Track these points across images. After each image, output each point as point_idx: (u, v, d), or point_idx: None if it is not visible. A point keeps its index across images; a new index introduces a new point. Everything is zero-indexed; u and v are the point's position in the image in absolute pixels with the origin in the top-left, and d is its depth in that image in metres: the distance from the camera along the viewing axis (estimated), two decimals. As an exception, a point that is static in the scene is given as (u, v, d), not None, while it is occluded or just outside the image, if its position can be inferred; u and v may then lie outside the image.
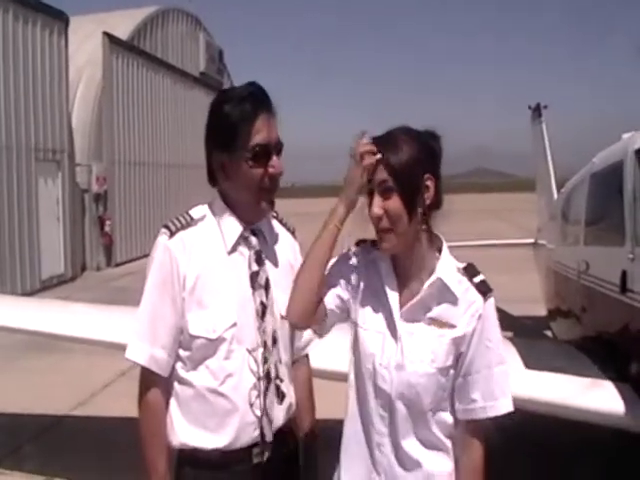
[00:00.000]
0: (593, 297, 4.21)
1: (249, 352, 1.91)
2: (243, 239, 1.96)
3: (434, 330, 1.75)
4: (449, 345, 1.74)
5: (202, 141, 1.96)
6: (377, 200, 1.72)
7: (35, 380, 6.92)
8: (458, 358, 1.76)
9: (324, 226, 1.77)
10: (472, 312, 1.74)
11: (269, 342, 1.95)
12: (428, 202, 1.73)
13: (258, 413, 1.92)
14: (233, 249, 1.94)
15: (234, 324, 1.89)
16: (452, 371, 1.77)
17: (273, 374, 1.95)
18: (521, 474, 4.17)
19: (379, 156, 1.70)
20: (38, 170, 13.38)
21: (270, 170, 1.89)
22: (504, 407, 1.78)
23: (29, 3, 13.26)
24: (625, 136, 4.41)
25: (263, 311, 1.94)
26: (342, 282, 1.84)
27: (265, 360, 1.93)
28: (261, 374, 1.92)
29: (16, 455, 5.02)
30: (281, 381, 1.97)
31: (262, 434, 1.93)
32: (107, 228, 16.28)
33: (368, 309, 1.82)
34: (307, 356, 2.24)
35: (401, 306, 1.77)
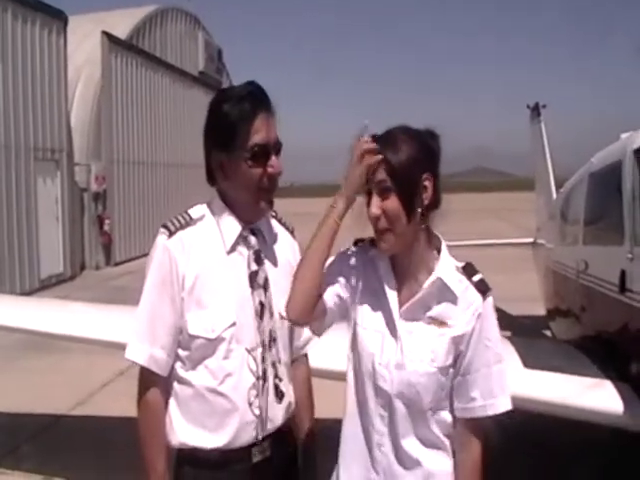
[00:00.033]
0: (592, 297, 4.21)
1: (248, 352, 1.91)
2: (242, 239, 1.96)
3: (434, 329, 1.75)
4: (449, 344, 1.74)
5: (201, 140, 1.96)
6: (375, 200, 1.72)
7: (34, 380, 6.92)
8: (457, 357, 1.76)
9: (323, 221, 1.76)
10: (472, 311, 1.75)
11: (268, 342, 1.95)
12: (426, 202, 1.73)
13: (257, 412, 1.92)
14: (232, 249, 1.94)
15: (233, 324, 1.89)
16: (451, 370, 1.77)
17: (272, 373, 1.95)
18: (521, 474, 4.18)
19: (380, 157, 1.70)
20: (37, 169, 13.37)
21: (269, 170, 1.89)
22: (503, 405, 1.79)
23: (28, 2, 13.25)
24: (624, 136, 4.41)
25: (262, 311, 1.94)
26: (341, 280, 1.84)
27: (264, 360, 1.93)
28: (260, 374, 1.92)
29: (15, 454, 5.02)
30: (280, 380, 1.97)
31: (258, 434, 1.93)
32: (106, 227, 16.28)
33: (367, 308, 1.82)
34: (306, 355, 2.24)
35: (400, 305, 1.77)
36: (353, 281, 1.84)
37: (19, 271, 12.65)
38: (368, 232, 1.80)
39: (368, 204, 1.74)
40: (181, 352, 1.93)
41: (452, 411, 1.80)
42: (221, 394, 1.90)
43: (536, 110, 9.21)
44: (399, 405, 1.75)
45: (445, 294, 1.75)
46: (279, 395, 1.97)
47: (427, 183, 1.72)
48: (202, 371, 1.90)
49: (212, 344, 1.88)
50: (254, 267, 1.96)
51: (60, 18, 14.42)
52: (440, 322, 1.75)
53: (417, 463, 1.77)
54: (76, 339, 4.21)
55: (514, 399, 1.82)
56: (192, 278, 1.89)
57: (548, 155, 8.84)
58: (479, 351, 1.76)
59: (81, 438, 5.39)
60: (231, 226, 1.95)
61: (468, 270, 1.79)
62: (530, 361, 3.51)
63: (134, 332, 1.95)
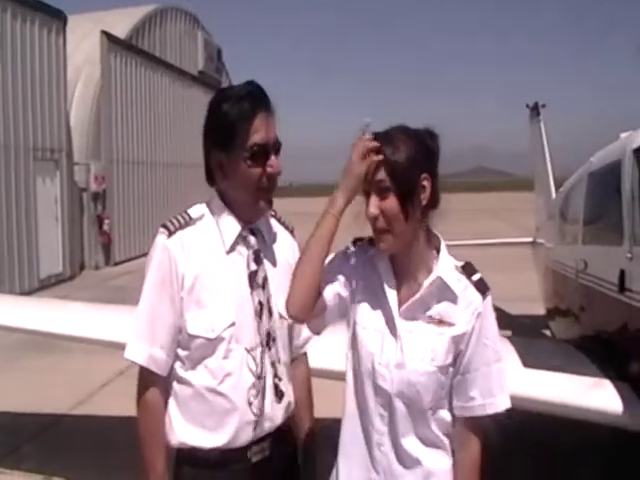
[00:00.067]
0: (591, 296, 4.22)
1: (248, 351, 1.91)
2: (242, 238, 1.96)
3: (434, 328, 1.75)
4: (449, 343, 1.74)
5: (200, 140, 1.96)
6: (373, 200, 1.73)
7: (34, 380, 6.92)
8: (457, 356, 1.76)
9: (322, 218, 1.75)
10: (471, 310, 1.75)
11: (267, 341, 1.95)
12: (425, 202, 1.73)
13: (257, 412, 1.92)
14: (232, 248, 1.94)
15: (233, 324, 1.89)
16: (451, 369, 1.77)
17: (272, 373, 1.95)
18: (520, 473, 4.18)
19: (381, 157, 1.70)
20: (36, 169, 13.36)
21: (268, 170, 1.89)
22: (502, 404, 1.80)
23: (27, 2, 13.24)
24: (623, 135, 4.41)
25: (261, 310, 1.94)
26: (341, 279, 1.84)
27: (263, 359, 1.94)
28: (260, 373, 1.92)
29: (15, 454, 5.02)
30: (280, 380, 1.98)
31: (260, 433, 1.94)
32: (105, 227, 16.27)
33: (366, 307, 1.82)
34: (305, 354, 2.24)
35: (400, 304, 1.77)
36: (353, 280, 1.84)
37: (18, 271, 12.65)
38: (367, 232, 1.80)
39: (367, 204, 1.74)
40: (180, 352, 1.93)
41: (451, 410, 1.81)
42: (220, 394, 1.90)
43: (535, 110, 9.22)
44: (399, 404, 1.75)
45: (445, 293, 1.76)
46: (279, 395, 1.97)
47: (425, 183, 1.72)
48: (202, 371, 1.90)
49: (212, 344, 1.88)
50: (253, 267, 1.96)
51: (59, 18, 14.40)
52: (440, 321, 1.75)
53: (417, 462, 1.77)
54: (76, 339, 4.21)
55: (513, 399, 1.83)
56: (191, 278, 1.89)
57: (547, 155, 8.84)
58: (479, 350, 1.76)
59: (81, 438, 5.39)
60: (230, 226, 1.95)
61: (467, 269, 1.79)
62: (529, 360, 3.51)
63: (133, 332, 1.95)
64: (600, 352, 3.84)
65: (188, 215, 1.96)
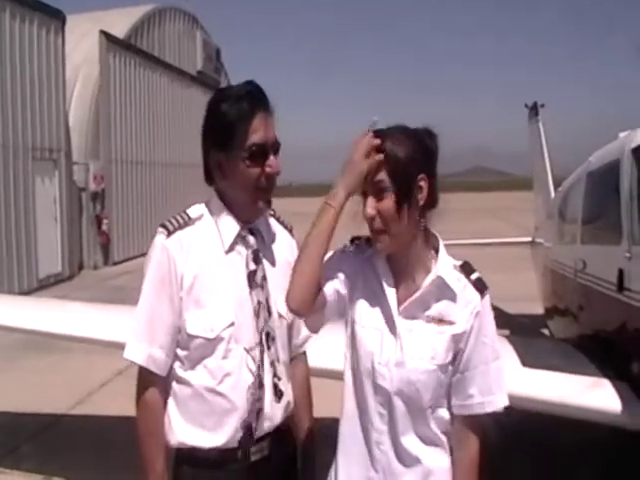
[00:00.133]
0: (590, 295, 4.22)
1: (247, 351, 1.91)
2: (240, 238, 1.96)
3: (433, 327, 1.76)
4: (448, 342, 1.75)
5: (199, 140, 1.96)
6: (370, 200, 1.73)
7: (33, 379, 6.92)
8: (456, 355, 1.77)
9: (322, 209, 1.75)
10: (470, 309, 1.76)
11: (267, 341, 1.95)
12: (422, 203, 1.73)
13: (254, 412, 1.92)
14: (231, 248, 1.94)
15: (232, 323, 1.89)
16: (450, 367, 1.78)
17: (271, 372, 1.96)
18: (519, 473, 4.18)
19: (381, 156, 1.70)
20: (35, 169, 13.36)
21: (267, 169, 1.89)
22: (501, 402, 1.81)
23: (26, 2, 13.23)
24: (622, 135, 4.41)
25: (260, 310, 1.94)
26: (340, 277, 1.83)
27: (263, 359, 1.94)
28: (259, 373, 1.93)
29: (15, 454, 5.02)
30: (279, 379, 1.98)
31: (260, 433, 1.94)
32: (104, 227, 16.27)
33: (365, 306, 1.82)
34: (305, 354, 2.24)
35: (398, 304, 1.78)
36: (351, 279, 1.84)
37: (17, 271, 12.64)
38: (364, 231, 1.80)
39: (364, 204, 1.74)
40: (180, 352, 1.93)
41: (450, 408, 1.81)
42: (220, 394, 1.90)
43: (534, 109, 9.22)
44: (398, 403, 1.76)
45: (445, 292, 1.76)
46: (278, 394, 1.97)
47: (423, 183, 1.72)
48: (201, 371, 1.91)
49: (211, 344, 1.88)
50: (252, 266, 1.96)
51: (58, 17, 14.40)
52: (439, 320, 1.76)
53: (417, 460, 1.78)
54: (75, 339, 4.21)
55: (512, 398, 1.84)
56: (191, 278, 1.89)
57: (546, 154, 8.84)
58: (477, 348, 1.77)
59: (80, 438, 5.39)
60: (229, 226, 1.95)
61: (466, 269, 1.80)
62: (528, 360, 3.51)
63: (133, 332, 1.95)
64: (599, 351, 3.84)
65: (187, 215, 1.96)
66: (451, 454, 1.82)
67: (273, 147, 1.91)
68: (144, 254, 2.03)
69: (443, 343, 1.75)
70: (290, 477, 2.08)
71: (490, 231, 15.49)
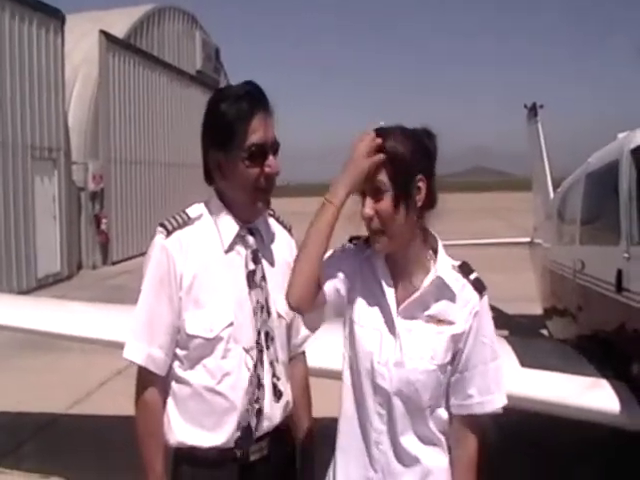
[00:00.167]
0: (589, 296, 4.22)
1: (246, 351, 1.91)
2: (240, 238, 1.96)
3: (433, 327, 1.76)
4: (448, 342, 1.75)
5: (198, 140, 1.96)
6: (368, 201, 1.73)
7: (31, 379, 6.91)
8: (455, 355, 1.77)
9: (322, 206, 1.74)
10: (469, 309, 1.76)
11: (266, 341, 1.95)
12: (419, 204, 1.73)
13: (255, 412, 1.92)
14: (230, 248, 1.94)
15: (231, 323, 1.89)
16: (449, 367, 1.78)
17: (270, 372, 1.96)
18: (518, 473, 4.18)
19: (383, 156, 1.70)
20: (34, 168, 13.36)
21: (266, 170, 1.89)
22: (500, 401, 1.81)
23: (26, 1, 13.23)
24: (620, 135, 4.42)
25: (260, 310, 1.94)
26: (339, 276, 1.83)
27: (262, 359, 1.94)
28: (258, 373, 1.93)
29: (14, 454, 5.02)
30: (278, 379, 1.98)
31: (259, 432, 1.94)
32: (103, 226, 16.27)
33: (364, 306, 1.82)
34: (304, 353, 2.24)
35: (397, 304, 1.78)
36: (350, 279, 1.84)
37: (16, 270, 12.64)
38: (363, 231, 1.80)
39: (362, 204, 1.74)
40: (179, 351, 1.93)
41: (448, 408, 1.81)
42: (219, 393, 1.90)
43: (533, 110, 9.22)
44: (398, 403, 1.76)
45: (444, 292, 1.76)
46: (277, 394, 1.97)
47: (421, 184, 1.72)
48: (200, 370, 1.91)
49: (210, 344, 1.89)
50: (251, 266, 1.96)
51: (57, 17, 14.40)
52: (438, 320, 1.76)
53: (416, 460, 1.78)
54: (74, 338, 4.21)
55: (511, 398, 1.84)
56: (190, 277, 1.89)
57: (545, 155, 8.85)
58: (476, 348, 1.77)
59: (79, 437, 5.39)
60: (229, 225, 1.95)
61: (464, 269, 1.80)
62: (527, 360, 3.51)
63: (132, 331, 1.95)
64: (598, 352, 3.84)
65: (186, 215, 1.96)
66: (450, 454, 1.83)
67: (272, 147, 1.91)
68: (143, 254, 2.04)
69: (442, 343, 1.75)
70: (289, 477, 2.08)
71: (489, 231, 15.50)
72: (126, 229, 17.55)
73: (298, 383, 2.15)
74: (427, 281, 1.76)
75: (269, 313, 1.97)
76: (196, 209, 1.98)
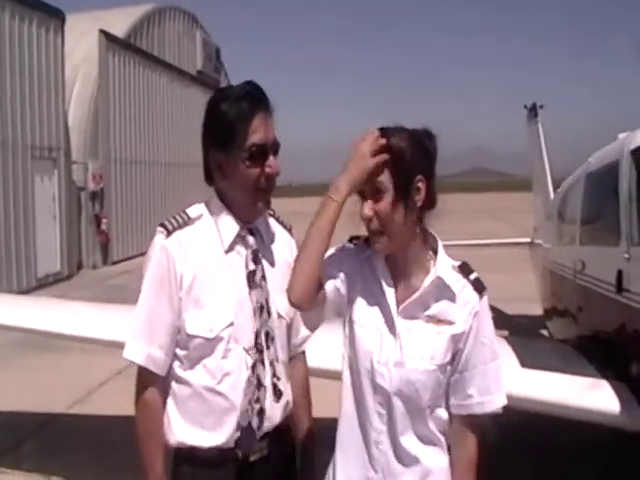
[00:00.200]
0: (589, 296, 4.22)
1: (246, 351, 1.91)
2: (240, 238, 1.96)
3: (433, 327, 1.76)
4: (448, 342, 1.75)
5: (199, 140, 1.96)
6: (368, 201, 1.73)
7: (31, 378, 6.91)
8: (455, 355, 1.78)
9: (324, 202, 1.74)
10: (469, 309, 1.76)
11: (266, 341, 1.95)
12: (419, 204, 1.73)
13: (255, 412, 1.92)
14: (230, 248, 1.94)
15: (231, 323, 1.89)
16: (449, 368, 1.78)
17: (270, 372, 1.96)
18: (518, 473, 4.18)
19: (387, 156, 1.70)
20: (34, 168, 13.36)
21: (267, 170, 1.89)
22: (499, 401, 1.82)
23: (26, 1, 13.23)
24: (621, 136, 4.42)
25: (260, 310, 1.94)
26: (339, 275, 1.83)
27: (262, 359, 1.94)
28: (258, 373, 1.93)
29: (14, 453, 5.02)
30: (278, 379, 1.98)
31: (259, 432, 1.94)
32: (103, 226, 16.27)
33: (364, 306, 1.82)
34: (304, 353, 2.24)
35: (397, 304, 1.78)
36: (350, 278, 1.84)
37: (16, 270, 12.64)
38: (363, 230, 1.80)
39: (361, 204, 1.74)
40: (179, 351, 1.93)
41: (448, 408, 1.82)
42: (219, 393, 1.90)
43: (533, 110, 9.22)
44: (398, 403, 1.76)
45: (444, 292, 1.76)
46: (277, 394, 1.97)
47: (420, 185, 1.72)
48: (200, 370, 1.91)
49: (210, 344, 1.89)
50: (252, 267, 1.96)
51: (57, 16, 14.39)
52: (438, 320, 1.76)
53: (416, 460, 1.78)
54: (74, 338, 4.20)
55: (511, 399, 1.84)
56: (190, 278, 1.89)
57: (545, 155, 8.85)
58: (476, 349, 1.77)
59: (79, 437, 5.39)
60: (229, 226, 1.95)
61: (464, 269, 1.80)
62: (527, 361, 3.51)
63: (132, 331, 1.95)
64: (598, 352, 3.84)
65: (186, 215, 1.96)
66: (449, 453, 1.83)
67: (273, 147, 1.91)
68: (143, 253, 2.03)
69: (442, 343, 1.75)
70: (289, 477, 2.08)
71: (489, 232, 15.50)
72: (126, 229, 17.55)
73: (298, 383, 2.15)
74: (427, 281, 1.76)
75: (269, 313, 1.97)
76: (196, 209, 1.98)
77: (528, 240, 8.45)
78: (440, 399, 1.80)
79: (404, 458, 1.78)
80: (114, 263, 16.52)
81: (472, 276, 1.79)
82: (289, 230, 2.17)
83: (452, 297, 1.76)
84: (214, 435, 1.91)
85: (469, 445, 1.82)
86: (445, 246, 1.83)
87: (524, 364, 3.48)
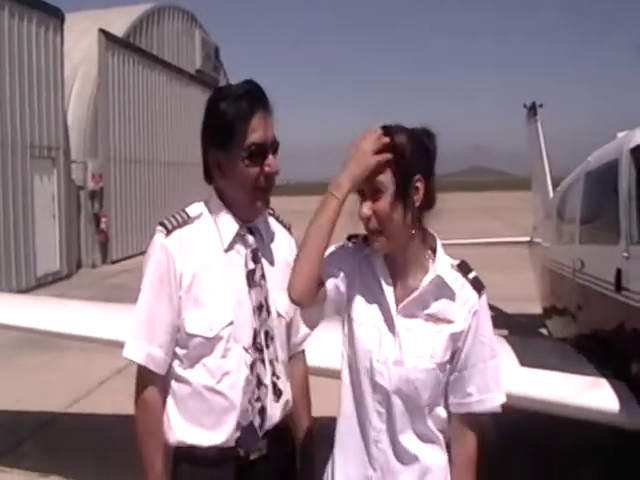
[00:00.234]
0: (588, 295, 4.22)
1: (246, 350, 1.91)
2: (239, 237, 1.96)
3: (432, 326, 1.76)
4: (447, 341, 1.76)
5: (198, 139, 1.96)
6: (366, 201, 1.73)
7: (31, 378, 6.91)
8: (454, 353, 1.78)
9: (325, 198, 1.73)
10: (468, 308, 1.76)
11: (265, 340, 1.95)
12: (417, 204, 1.73)
13: (256, 410, 1.92)
14: (230, 247, 1.94)
15: (231, 322, 1.89)
16: (448, 366, 1.78)
17: (270, 371, 1.96)
18: (517, 472, 4.18)
19: (389, 156, 1.70)
20: (33, 167, 13.36)
21: (266, 169, 1.89)
22: (499, 399, 1.82)
23: (25, 0, 13.21)
24: (620, 135, 4.42)
25: (259, 309, 1.94)
26: (339, 273, 1.83)
27: (262, 358, 1.94)
28: (258, 372, 1.93)
29: (13, 453, 5.02)
30: (278, 378, 1.98)
31: (261, 431, 1.94)
32: (103, 225, 16.26)
33: (363, 304, 1.82)
34: (303, 352, 2.24)
35: (397, 303, 1.78)
36: (350, 277, 1.84)
37: (15, 269, 12.64)
38: (361, 229, 1.80)
39: (360, 204, 1.74)
40: (179, 350, 1.93)
41: (446, 407, 1.82)
42: (219, 392, 1.90)
43: (533, 109, 9.21)
44: (397, 401, 1.76)
45: (444, 291, 1.76)
46: (277, 393, 1.97)
47: (419, 185, 1.72)
48: (200, 369, 1.91)
49: (210, 343, 1.89)
50: (251, 266, 1.96)
51: (57, 16, 14.39)
52: (438, 319, 1.76)
53: (415, 458, 1.78)
54: (73, 337, 4.21)
55: (511, 397, 1.85)
56: (190, 276, 1.89)
57: (545, 154, 8.85)
58: (475, 347, 1.78)
59: (79, 436, 5.39)
60: (228, 225, 1.95)
61: (463, 268, 1.80)
62: (527, 359, 3.52)
63: (132, 330, 1.95)
64: (597, 351, 3.85)
65: (186, 214, 1.96)
66: (448, 451, 1.83)
67: (272, 147, 1.91)
68: (143, 253, 2.04)
69: (442, 342, 1.75)
70: (289, 476, 2.08)
71: (489, 231, 15.50)
72: (125, 228, 17.55)
73: (298, 382, 2.15)
74: (426, 280, 1.76)
75: (269, 312, 1.97)
76: (196, 208, 1.98)
77: (527, 239, 8.46)
78: (439, 398, 1.80)
79: (403, 456, 1.79)
80: (113, 262, 16.52)
81: (471, 275, 1.79)
82: (288, 229, 2.17)
83: (451, 296, 1.76)
84: (214, 434, 1.91)
85: (468, 444, 1.82)
86: (444, 245, 1.83)
87: (523, 363, 3.48)
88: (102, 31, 16.59)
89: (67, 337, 4.31)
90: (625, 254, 3.51)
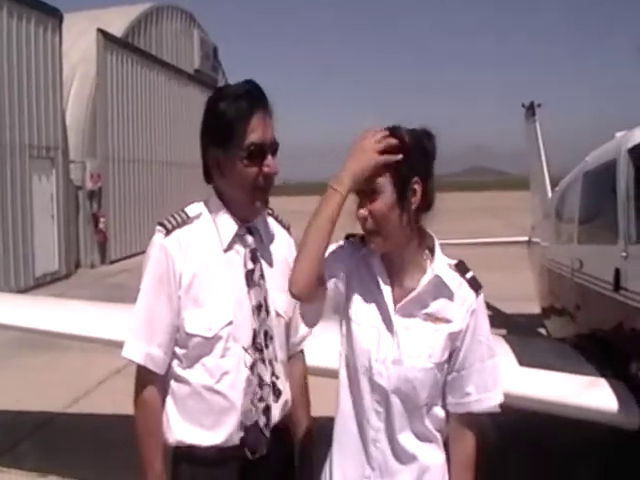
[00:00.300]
0: (587, 295, 4.23)
1: (245, 350, 1.92)
2: (239, 237, 1.96)
3: (430, 325, 1.76)
4: (445, 340, 1.76)
5: (197, 139, 1.96)
6: (363, 201, 1.73)
7: (30, 378, 6.90)
8: (452, 353, 1.78)
9: (327, 194, 1.73)
10: (466, 308, 1.77)
11: (265, 340, 1.95)
12: (414, 206, 1.72)
13: (260, 410, 1.93)
14: (229, 247, 1.94)
15: (230, 322, 1.89)
16: (446, 366, 1.79)
17: (269, 371, 1.96)
18: (516, 472, 4.18)
19: (393, 157, 1.69)
20: (32, 167, 13.34)
21: (265, 169, 1.89)
22: (497, 398, 1.82)
23: (23, 0, 13.20)
24: (618, 135, 4.42)
25: (259, 309, 1.95)
26: (337, 272, 1.84)
27: (262, 358, 1.94)
28: (259, 372, 1.93)
29: (12, 452, 5.01)
30: (277, 378, 1.98)
31: (267, 430, 1.94)
32: (101, 225, 16.25)
33: (361, 304, 1.83)
34: (302, 352, 2.24)
35: (395, 302, 1.78)
36: (348, 275, 1.85)
37: (14, 269, 12.62)
38: (359, 229, 1.80)
39: (358, 204, 1.74)
40: (178, 350, 1.93)
41: (444, 406, 1.82)
42: (218, 392, 1.90)
43: (531, 109, 9.22)
44: (395, 401, 1.76)
45: (442, 291, 1.77)
46: (276, 393, 1.98)
47: (416, 187, 1.72)
48: (199, 369, 1.91)
49: (209, 342, 1.89)
50: (250, 265, 1.96)
51: (55, 15, 14.37)
52: (436, 318, 1.77)
53: (413, 458, 1.79)
54: (73, 337, 4.20)
55: (509, 397, 1.85)
56: (189, 276, 1.89)
57: (543, 154, 8.85)
58: (473, 347, 1.78)
59: (78, 436, 5.39)
60: (228, 225, 1.95)
61: (460, 267, 1.81)
62: (525, 359, 3.52)
63: (131, 330, 1.95)
64: (596, 351, 3.85)
65: (185, 214, 1.96)
66: (445, 450, 1.83)
67: (271, 147, 1.91)
68: (141, 253, 2.04)
69: (440, 341, 1.76)
70: (288, 476, 2.08)
71: (487, 230, 15.52)
72: (124, 228, 17.54)
73: (297, 382, 2.15)
74: (425, 280, 1.77)
75: (268, 312, 1.97)
76: (195, 208, 1.98)
77: (526, 239, 8.46)
78: (437, 397, 1.81)
79: (401, 456, 1.79)
80: (112, 262, 16.51)
81: (468, 274, 1.80)
82: (288, 229, 2.17)
83: (450, 295, 1.77)
84: (213, 434, 1.91)
85: (467, 443, 1.82)
86: (443, 245, 1.83)
87: (522, 363, 3.48)
88: (100, 31, 16.58)
89: (66, 337, 4.31)
90: (623, 254, 3.51)
